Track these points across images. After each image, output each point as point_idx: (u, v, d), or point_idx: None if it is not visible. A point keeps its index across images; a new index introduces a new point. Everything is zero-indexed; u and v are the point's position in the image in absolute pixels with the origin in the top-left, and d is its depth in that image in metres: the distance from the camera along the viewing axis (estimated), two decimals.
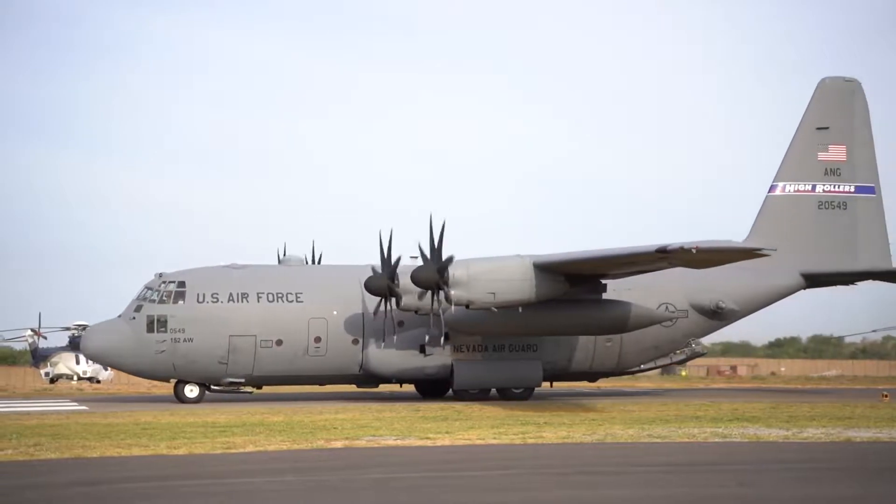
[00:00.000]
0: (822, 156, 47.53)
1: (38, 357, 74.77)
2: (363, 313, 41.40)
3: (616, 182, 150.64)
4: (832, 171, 47.55)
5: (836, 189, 47.56)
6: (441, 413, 33.93)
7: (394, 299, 39.71)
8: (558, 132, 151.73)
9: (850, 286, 47.59)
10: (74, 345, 67.08)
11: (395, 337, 41.07)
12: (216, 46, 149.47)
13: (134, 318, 40.28)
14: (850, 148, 47.71)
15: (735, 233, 46.80)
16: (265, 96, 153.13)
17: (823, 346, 74.21)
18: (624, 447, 24.06)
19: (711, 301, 44.33)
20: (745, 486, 17.69)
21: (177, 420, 31.06)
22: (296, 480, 18.55)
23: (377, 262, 40.26)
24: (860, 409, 34.90)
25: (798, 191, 47.41)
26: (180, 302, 40.44)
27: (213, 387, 41.27)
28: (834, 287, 48.05)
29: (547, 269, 38.53)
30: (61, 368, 71.90)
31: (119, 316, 40.82)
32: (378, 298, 40.09)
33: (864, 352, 78.66)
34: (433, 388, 43.89)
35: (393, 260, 39.76)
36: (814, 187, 47.46)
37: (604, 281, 40.85)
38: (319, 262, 47.06)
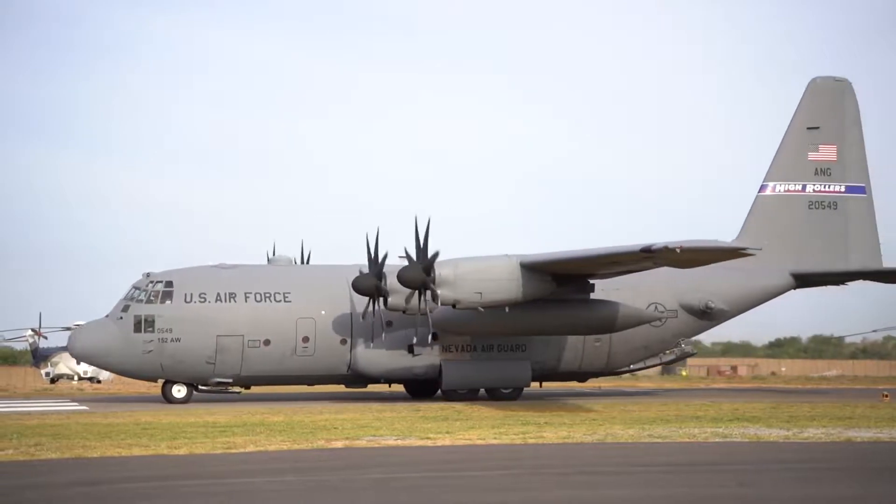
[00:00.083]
0: (812, 156, 47.46)
1: (39, 357, 74.83)
2: (351, 313, 41.44)
3: (616, 182, 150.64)
4: (823, 171, 47.48)
5: (827, 189, 47.48)
6: (441, 413, 33.93)
7: (381, 299, 39.76)
8: (558, 132, 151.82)
9: (841, 286, 47.53)
10: None
11: (383, 337, 41.10)
12: (216, 46, 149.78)
13: (121, 317, 40.34)
14: (841, 148, 47.64)
15: (734, 233, 46.86)
16: (265, 96, 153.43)
17: (824, 346, 74.23)
18: (624, 447, 24.03)
19: (701, 301, 44.30)
20: (745, 486, 17.66)
21: (177, 420, 31.06)
22: (296, 480, 18.55)
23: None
24: (860, 410, 34.81)
25: (788, 191, 47.35)
26: (168, 302, 40.49)
27: (200, 387, 41.30)
28: (825, 287, 48.00)
29: (534, 269, 38.52)
30: (62, 368, 71.92)
31: (107, 316, 40.92)
32: (366, 298, 40.14)
33: (865, 352, 78.63)
34: (422, 388, 43.90)
35: (380, 259, 39.77)
36: (804, 187, 47.39)
37: (591, 281, 40.84)
38: (307, 262, 47.10)
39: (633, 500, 16.59)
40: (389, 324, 41.39)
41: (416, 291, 38.38)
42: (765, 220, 46.72)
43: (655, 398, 43.40)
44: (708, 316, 44.68)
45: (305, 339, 41.16)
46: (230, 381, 41.18)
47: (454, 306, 38.26)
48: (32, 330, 75.61)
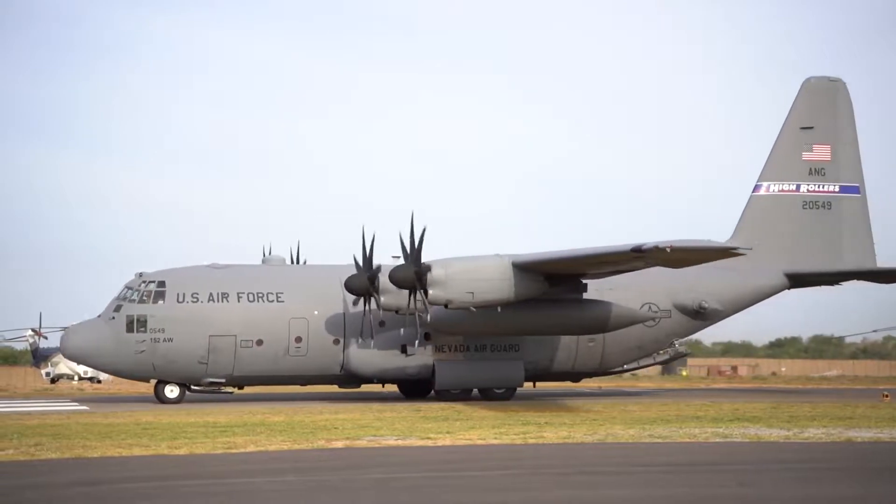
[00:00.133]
0: (806, 155, 47.43)
1: (39, 357, 74.96)
2: (344, 313, 41.45)
3: (616, 182, 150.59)
4: (817, 171, 47.45)
5: (821, 189, 47.45)
6: (442, 413, 33.92)
7: (374, 299, 39.73)
8: (558, 132, 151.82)
9: (835, 286, 47.49)
10: None
11: (376, 337, 41.08)
12: (216, 46, 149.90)
13: (113, 317, 40.32)
14: (835, 148, 47.62)
15: (732, 232, 46.79)
16: (265, 96, 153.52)
17: (824, 346, 74.31)
18: (625, 447, 24.02)
19: (694, 301, 44.27)
20: (745, 486, 17.64)
21: (178, 420, 31.06)
22: (296, 480, 18.54)
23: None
24: (861, 410, 34.77)
25: (782, 190, 47.32)
26: (160, 302, 40.48)
27: (193, 387, 41.31)
28: (824, 287, 47.97)
29: (526, 269, 38.48)
30: (62, 368, 71.94)
31: (99, 316, 40.92)
32: (359, 298, 40.13)
33: (865, 352, 78.73)
34: (415, 388, 43.87)
35: (372, 259, 39.78)
36: (798, 187, 47.36)
37: (584, 280, 40.80)
38: (298, 261, 47.10)
39: (633, 500, 16.58)
40: (382, 324, 41.38)
41: (408, 291, 38.37)
42: (759, 219, 46.70)
43: (656, 398, 43.37)
44: (702, 316, 44.64)
45: (298, 339, 41.14)
46: (223, 381, 41.15)
47: (446, 306, 38.22)
48: (32, 330, 75.72)
